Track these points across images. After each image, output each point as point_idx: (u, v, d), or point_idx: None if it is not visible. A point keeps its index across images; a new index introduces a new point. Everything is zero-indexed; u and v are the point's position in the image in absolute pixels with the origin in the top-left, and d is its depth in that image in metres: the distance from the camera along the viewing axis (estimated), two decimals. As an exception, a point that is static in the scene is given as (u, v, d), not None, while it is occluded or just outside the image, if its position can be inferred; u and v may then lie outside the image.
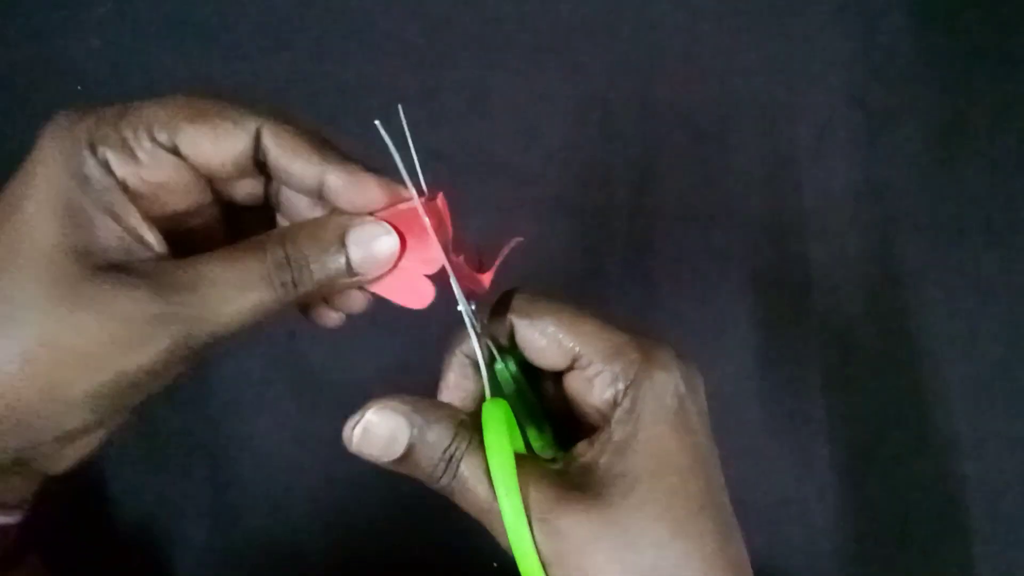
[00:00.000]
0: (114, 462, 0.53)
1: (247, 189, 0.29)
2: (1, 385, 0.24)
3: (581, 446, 0.28)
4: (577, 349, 0.28)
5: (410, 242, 0.28)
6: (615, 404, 0.27)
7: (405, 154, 0.27)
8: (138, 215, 0.25)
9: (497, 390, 0.29)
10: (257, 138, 0.26)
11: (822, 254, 0.58)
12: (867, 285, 0.58)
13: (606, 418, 0.27)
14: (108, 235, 0.25)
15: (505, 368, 0.30)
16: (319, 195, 0.28)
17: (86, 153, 0.25)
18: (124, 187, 0.25)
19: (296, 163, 0.27)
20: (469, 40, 0.60)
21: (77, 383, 0.24)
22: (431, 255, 0.28)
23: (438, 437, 0.26)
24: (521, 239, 0.29)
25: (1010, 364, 0.57)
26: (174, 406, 0.54)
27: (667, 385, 0.27)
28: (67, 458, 0.27)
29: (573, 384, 0.29)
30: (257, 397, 0.55)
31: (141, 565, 0.53)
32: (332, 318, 0.31)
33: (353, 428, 0.26)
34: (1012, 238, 0.58)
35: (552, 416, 0.31)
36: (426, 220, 0.27)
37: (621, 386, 0.27)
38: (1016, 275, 0.58)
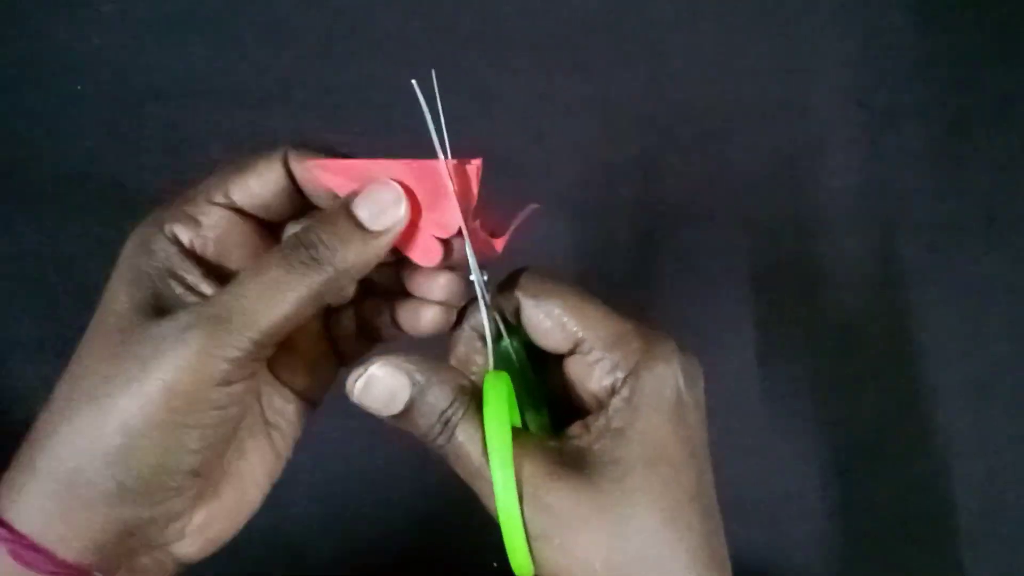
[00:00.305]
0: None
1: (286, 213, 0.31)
2: (83, 434, 0.25)
3: (575, 427, 0.28)
4: (580, 334, 0.28)
5: (432, 202, 0.28)
6: (613, 392, 0.27)
7: (436, 120, 0.28)
8: (197, 271, 0.28)
9: (500, 366, 0.30)
10: (287, 166, 0.29)
11: (823, 254, 0.58)
12: (867, 285, 0.58)
13: (602, 405, 0.28)
14: (170, 292, 0.27)
15: (509, 346, 0.30)
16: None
17: (157, 233, 0.28)
18: (191, 251, 0.28)
19: (310, 182, 0.29)
20: (471, 39, 0.60)
21: (140, 411, 0.25)
22: (448, 219, 0.28)
23: (437, 398, 0.27)
24: (537, 206, 0.29)
25: (1010, 364, 0.57)
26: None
27: (667, 377, 0.27)
28: (194, 537, 0.29)
29: (573, 368, 0.29)
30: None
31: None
32: (438, 316, 0.31)
33: (356, 380, 0.27)
34: (1012, 238, 0.58)
35: (550, 401, 0.31)
36: (449, 184, 0.28)
37: (621, 374, 0.27)
38: (1016, 275, 0.58)
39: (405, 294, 0.31)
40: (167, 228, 0.28)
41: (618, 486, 0.26)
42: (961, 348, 0.57)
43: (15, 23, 0.59)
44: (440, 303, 0.31)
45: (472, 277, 0.29)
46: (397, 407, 0.27)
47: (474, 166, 0.29)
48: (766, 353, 0.57)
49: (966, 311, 0.57)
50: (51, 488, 0.25)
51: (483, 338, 0.30)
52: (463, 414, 0.27)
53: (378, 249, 0.28)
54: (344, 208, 0.28)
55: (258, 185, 0.29)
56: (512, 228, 0.30)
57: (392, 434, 0.58)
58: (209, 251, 0.29)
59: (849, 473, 0.56)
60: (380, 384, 0.27)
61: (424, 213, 0.29)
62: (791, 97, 0.60)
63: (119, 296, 0.27)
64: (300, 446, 0.55)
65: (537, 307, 0.29)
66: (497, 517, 0.26)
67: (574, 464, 0.26)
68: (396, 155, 0.28)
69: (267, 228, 0.31)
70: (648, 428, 0.26)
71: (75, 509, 0.25)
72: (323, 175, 0.29)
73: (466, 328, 0.30)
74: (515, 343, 0.30)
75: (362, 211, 0.28)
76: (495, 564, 0.52)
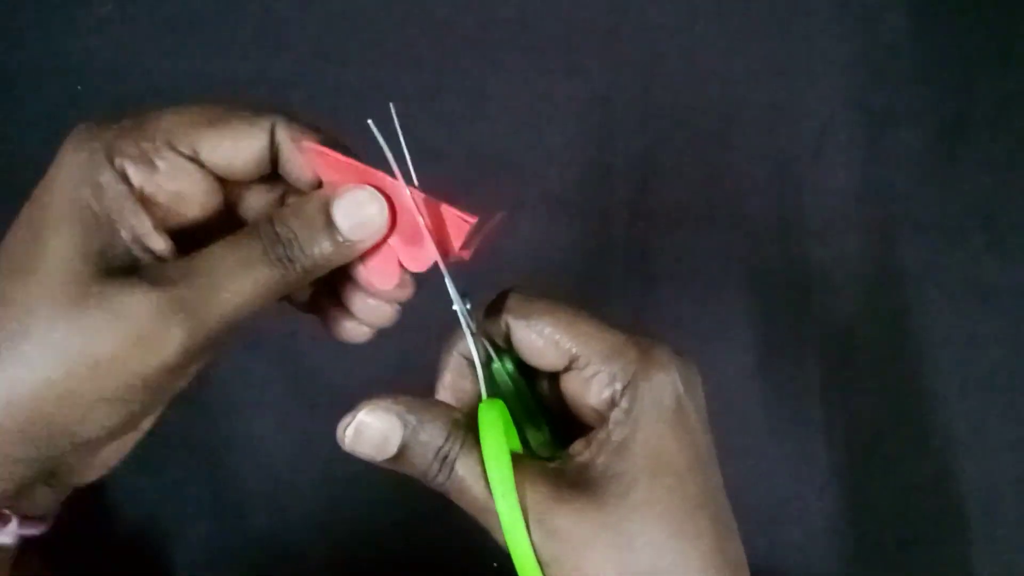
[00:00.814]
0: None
1: (258, 198, 0.29)
2: (18, 394, 0.24)
3: (577, 445, 0.27)
4: (574, 350, 0.28)
5: (412, 234, 0.28)
6: (613, 404, 0.27)
7: (399, 151, 0.27)
8: (148, 222, 0.26)
9: (494, 390, 0.29)
10: (272, 137, 0.27)
11: (822, 254, 0.58)
12: (867, 285, 0.58)
13: (603, 418, 0.27)
14: (119, 241, 0.25)
15: (502, 368, 0.30)
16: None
17: (104, 164, 0.25)
18: (141, 195, 0.26)
19: (299, 167, 0.28)
20: (470, 40, 0.60)
21: (93, 389, 0.24)
22: (422, 256, 0.28)
23: (431, 436, 0.26)
24: (504, 213, 0.28)
25: (1010, 364, 0.57)
26: (174, 406, 0.54)
27: (665, 385, 0.27)
28: (94, 468, 0.28)
29: (570, 385, 0.29)
30: (257, 397, 0.55)
31: (141, 565, 0.53)
32: (359, 332, 0.31)
33: (346, 428, 0.26)
34: (1012, 238, 0.58)
35: (550, 416, 0.31)
36: (423, 227, 0.27)
37: (619, 386, 0.27)
38: (1016, 275, 0.58)
39: (336, 293, 0.30)
40: (117, 162, 0.26)
41: (623, 501, 0.25)
42: (960, 349, 0.57)
43: (15, 24, 0.59)
44: (367, 324, 0.30)
45: (455, 307, 0.28)
46: (391, 450, 0.26)
47: (468, 224, 0.27)
48: (765, 354, 0.57)
49: (965, 312, 0.57)
50: None
51: (472, 363, 0.29)
52: (460, 448, 0.26)
53: (346, 257, 0.28)
54: (324, 209, 0.27)
55: (232, 147, 0.27)
56: (480, 236, 0.29)
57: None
58: (160, 198, 0.26)
59: (849, 475, 0.56)
60: (370, 430, 0.26)
61: (397, 237, 0.28)
62: (789, 98, 0.60)
63: (61, 235, 0.24)
64: (300, 446, 0.55)
65: (528, 327, 0.28)
66: (507, 548, 0.25)
67: (578, 483, 0.26)
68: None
69: (221, 183, 0.28)
70: (650, 438, 0.26)
71: None
72: (317, 162, 0.27)
73: (454, 354, 0.30)
74: (508, 365, 0.30)
75: (341, 218, 0.27)
76: (495, 564, 0.52)
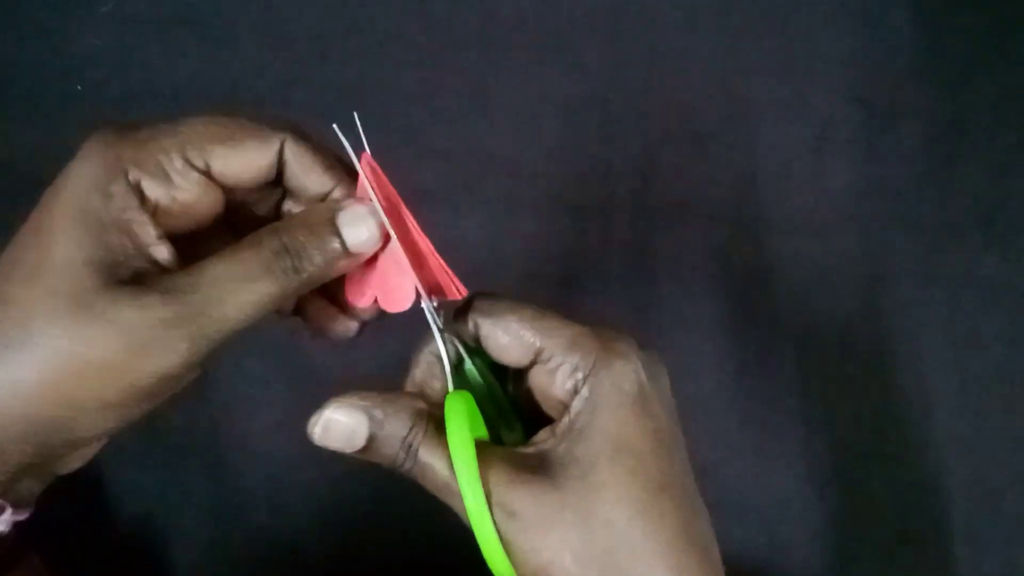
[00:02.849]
0: (114, 461, 0.53)
1: (263, 203, 0.31)
2: (18, 396, 0.24)
3: (542, 434, 0.28)
4: (538, 343, 0.29)
5: (394, 273, 0.29)
6: (575, 393, 0.28)
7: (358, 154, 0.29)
8: (153, 233, 0.26)
9: (463, 385, 0.30)
10: (280, 152, 0.28)
11: (822, 253, 0.58)
12: (867, 284, 0.58)
13: (568, 409, 0.28)
14: (124, 250, 0.26)
15: (473, 367, 0.31)
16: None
17: (117, 174, 0.26)
18: (155, 207, 0.27)
19: (311, 176, 0.29)
20: (470, 39, 0.60)
21: (92, 394, 0.25)
22: (398, 298, 0.29)
23: (396, 427, 0.28)
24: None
25: (1010, 364, 0.57)
26: (174, 406, 0.54)
27: (626, 372, 0.27)
28: (77, 459, 0.28)
29: (537, 379, 0.30)
30: (257, 396, 0.55)
31: (141, 564, 0.53)
32: (347, 327, 0.32)
33: (315, 425, 0.28)
34: (1012, 238, 0.58)
35: (523, 413, 0.32)
36: (404, 259, 0.28)
37: (580, 375, 0.28)
38: (1016, 275, 0.58)
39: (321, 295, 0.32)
40: (132, 175, 0.26)
41: (582, 483, 0.26)
42: (960, 348, 0.57)
43: (14, 23, 0.59)
44: (329, 333, 0.32)
45: (422, 304, 0.29)
46: (359, 443, 0.28)
47: (457, 292, 0.29)
48: (764, 353, 0.57)
49: (965, 310, 0.57)
50: None
51: (441, 361, 0.30)
52: (423, 436, 0.27)
53: (344, 268, 0.29)
54: (331, 219, 0.28)
55: (242, 164, 0.28)
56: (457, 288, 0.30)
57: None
58: (171, 209, 0.27)
59: (848, 474, 0.56)
60: (338, 426, 0.28)
61: (380, 266, 0.29)
62: (789, 97, 0.60)
63: (68, 242, 0.25)
64: (300, 446, 0.55)
65: (495, 325, 0.29)
66: (472, 529, 0.26)
67: (540, 468, 0.27)
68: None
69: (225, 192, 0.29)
70: (609, 423, 0.27)
71: None
72: (366, 175, 0.29)
73: (424, 352, 0.31)
74: (478, 364, 0.31)
75: (348, 229, 0.28)
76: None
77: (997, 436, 0.56)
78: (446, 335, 0.30)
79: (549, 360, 0.28)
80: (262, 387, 0.55)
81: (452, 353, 0.30)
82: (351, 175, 0.29)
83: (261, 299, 0.26)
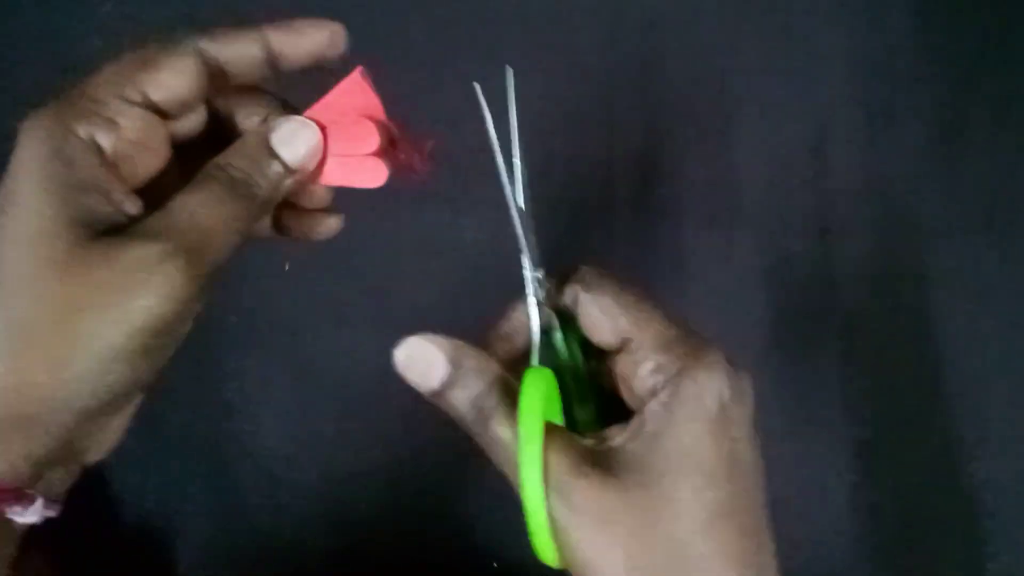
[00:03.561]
0: (115, 462, 0.53)
1: (195, 124, 0.31)
2: (33, 358, 0.24)
3: (613, 429, 0.28)
4: (629, 332, 0.28)
5: (342, 129, 0.30)
6: (654, 394, 0.27)
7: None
8: (120, 187, 0.27)
9: (549, 358, 0.30)
10: (202, 54, 0.29)
11: (822, 253, 0.58)
12: (867, 284, 0.58)
13: (644, 407, 0.27)
14: (95, 206, 0.26)
15: (562, 338, 0.30)
16: (270, 67, 0.30)
17: (69, 134, 0.26)
18: (111, 157, 0.27)
19: (236, 44, 0.30)
20: (470, 39, 0.60)
21: (96, 339, 0.25)
22: (364, 133, 0.30)
23: (472, 383, 0.27)
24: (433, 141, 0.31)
25: (1010, 364, 0.57)
26: (174, 406, 0.54)
27: (709, 387, 0.26)
28: (102, 443, 0.29)
29: (621, 366, 0.29)
30: (257, 396, 0.55)
31: (142, 563, 0.53)
32: (329, 225, 0.33)
33: (400, 349, 0.28)
34: (1012, 238, 0.58)
35: (601, 396, 0.31)
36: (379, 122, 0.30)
37: (662, 377, 0.27)
38: (1016, 275, 0.58)
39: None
40: (83, 131, 0.26)
41: (646, 491, 0.25)
42: (961, 348, 0.57)
43: (14, 23, 0.59)
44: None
45: (525, 272, 0.29)
46: (433, 383, 0.27)
47: (359, 72, 0.31)
48: (764, 353, 0.57)
49: (966, 311, 0.57)
50: None
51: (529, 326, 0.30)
52: (497, 404, 0.27)
53: (298, 182, 0.29)
54: (264, 143, 0.29)
55: (171, 78, 0.28)
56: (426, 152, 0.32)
57: (391, 435, 0.58)
58: (127, 154, 0.27)
59: (850, 474, 0.56)
60: (419, 355, 0.27)
61: (343, 140, 0.30)
62: (790, 97, 0.60)
63: (39, 208, 0.25)
64: (300, 446, 0.55)
65: (592, 300, 0.29)
66: (523, 505, 0.26)
67: (605, 463, 0.26)
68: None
69: (168, 132, 0.30)
70: (683, 436, 0.26)
71: (16, 432, 0.25)
72: (355, 90, 0.30)
73: (520, 309, 0.30)
74: (569, 337, 0.30)
75: (285, 152, 0.29)
76: (495, 564, 0.52)
77: (1000, 435, 0.56)
78: (542, 304, 0.29)
79: (636, 352, 0.28)
80: (262, 387, 0.55)
81: (544, 320, 0.29)
82: (275, 26, 0.30)
83: (232, 221, 0.27)
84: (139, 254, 0.25)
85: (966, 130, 0.59)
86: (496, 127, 0.29)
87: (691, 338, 0.28)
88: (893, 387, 0.57)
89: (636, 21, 0.61)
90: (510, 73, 0.29)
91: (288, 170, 0.29)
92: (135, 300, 0.25)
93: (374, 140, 0.30)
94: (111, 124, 0.27)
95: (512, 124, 0.29)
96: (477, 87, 0.28)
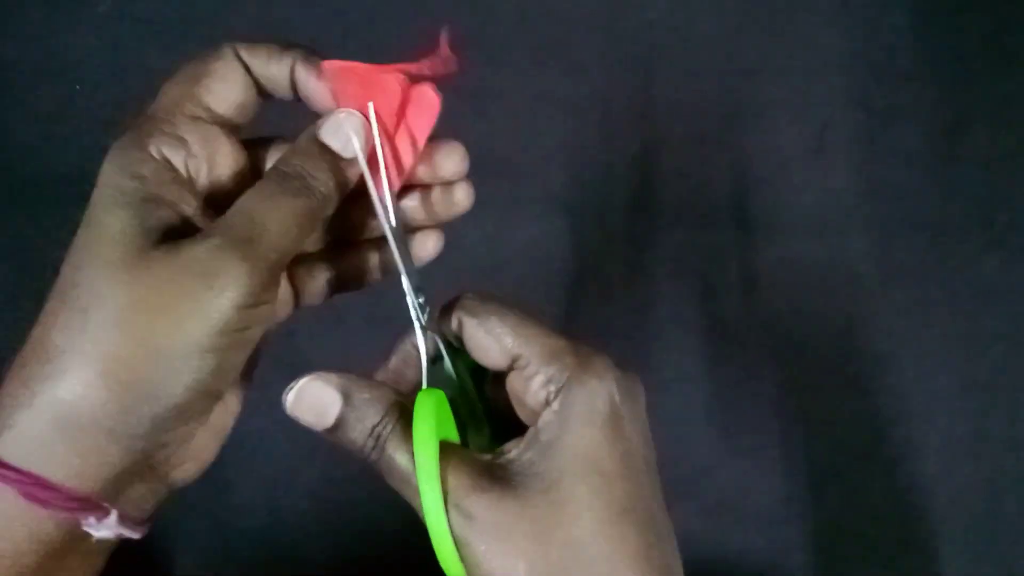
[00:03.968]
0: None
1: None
2: (111, 363, 0.25)
3: (510, 444, 0.28)
4: (517, 349, 0.29)
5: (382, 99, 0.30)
6: (547, 405, 0.28)
7: None
8: (192, 200, 0.28)
9: (440, 385, 0.30)
10: (244, 64, 0.29)
11: (822, 254, 0.58)
12: (867, 284, 0.58)
13: (538, 420, 0.28)
14: (166, 219, 0.27)
15: (451, 365, 0.31)
16: (297, 93, 0.30)
17: (142, 155, 0.27)
18: (186, 171, 0.28)
19: (272, 65, 0.29)
20: (469, 39, 0.60)
21: (172, 337, 0.25)
22: (394, 90, 0.30)
23: (367, 414, 0.28)
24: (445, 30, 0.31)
25: (1010, 364, 0.57)
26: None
27: (599, 391, 0.27)
28: (189, 460, 0.30)
29: (513, 384, 0.30)
30: (257, 396, 0.55)
31: (141, 564, 0.53)
32: (435, 242, 0.33)
33: (288, 392, 0.29)
34: (1012, 238, 0.58)
35: (494, 418, 0.32)
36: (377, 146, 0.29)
37: (553, 388, 0.28)
38: (1016, 275, 0.58)
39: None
40: (155, 150, 0.27)
41: (544, 497, 0.26)
42: (960, 348, 0.57)
43: (14, 23, 0.59)
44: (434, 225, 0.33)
45: (408, 300, 0.30)
46: (328, 421, 0.28)
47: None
48: (764, 353, 0.57)
49: (965, 310, 0.57)
50: (55, 422, 0.25)
51: (419, 356, 0.30)
52: (391, 429, 0.27)
53: (356, 173, 0.29)
54: (314, 139, 0.29)
55: (226, 89, 0.29)
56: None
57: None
58: (202, 175, 0.29)
59: (848, 475, 0.56)
60: (311, 398, 0.28)
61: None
62: (789, 97, 0.60)
63: (111, 222, 0.26)
64: (300, 446, 0.55)
65: (478, 325, 0.29)
66: (426, 526, 0.27)
67: (502, 476, 0.27)
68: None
69: (238, 140, 0.30)
70: (578, 441, 0.27)
71: (87, 441, 0.25)
72: (337, 77, 0.29)
73: (406, 343, 0.31)
74: (458, 363, 0.31)
75: (332, 140, 0.29)
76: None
77: (998, 436, 0.56)
78: (428, 331, 0.30)
79: (526, 367, 0.28)
80: (262, 387, 0.55)
81: (431, 349, 0.30)
82: (307, 52, 0.30)
83: (293, 217, 0.27)
84: (194, 252, 0.25)
85: (965, 130, 0.59)
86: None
87: (577, 347, 0.28)
88: (892, 387, 0.57)
89: (636, 21, 0.61)
90: (371, 107, 0.30)
91: (343, 160, 0.29)
92: (199, 296, 0.25)
93: (427, 99, 0.31)
94: (179, 141, 0.28)
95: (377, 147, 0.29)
96: (371, 106, 0.30)
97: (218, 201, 0.29)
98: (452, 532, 0.26)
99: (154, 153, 0.27)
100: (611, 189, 0.59)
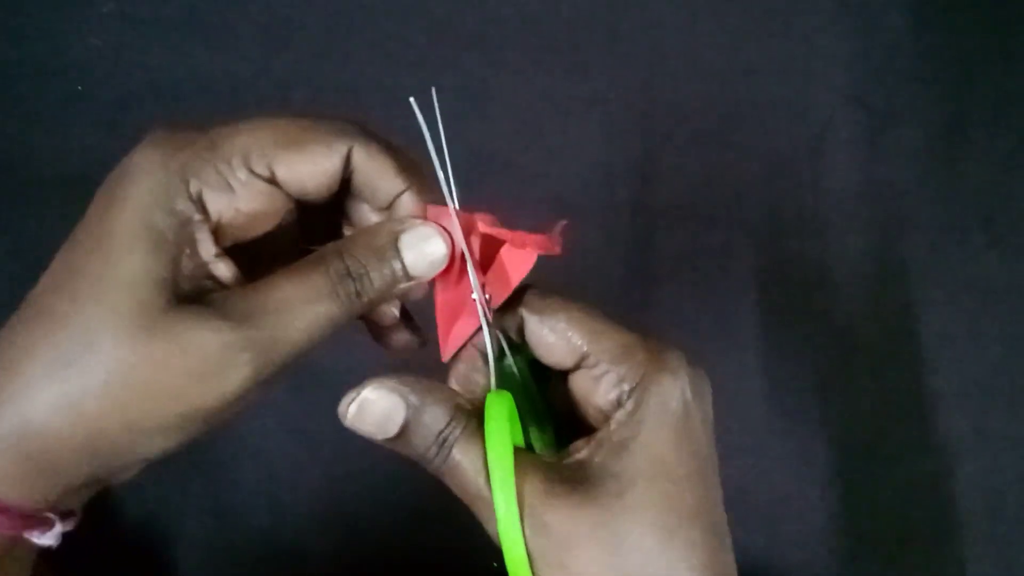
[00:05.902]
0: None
1: (318, 212, 0.29)
2: (81, 417, 0.24)
3: (579, 443, 0.27)
4: (585, 348, 0.28)
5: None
6: (619, 405, 0.27)
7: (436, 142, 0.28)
8: (213, 249, 0.26)
9: (503, 385, 0.29)
10: (347, 158, 0.27)
11: (822, 253, 0.58)
12: (867, 284, 0.58)
13: (608, 419, 0.27)
14: (187, 268, 0.25)
15: (513, 364, 0.30)
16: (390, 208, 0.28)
17: (180, 189, 0.25)
18: (217, 222, 0.26)
19: (383, 180, 0.28)
20: (470, 40, 0.60)
21: (154, 417, 0.24)
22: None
23: (434, 419, 0.26)
24: (565, 222, 0.30)
25: (1010, 364, 0.57)
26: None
27: (673, 390, 0.26)
28: (132, 472, 0.28)
29: (579, 384, 0.29)
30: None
31: (142, 564, 0.53)
32: (406, 340, 0.32)
33: (349, 404, 0.26)
34: (1012, 238, 0.58)
35: (556, 417, 0.31)
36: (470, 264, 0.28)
37: (626, 387, 0.27)
38: (1016, 275, 0.58)
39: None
40: (195, 186, 0.25)
41: (618, 501, 0.25)
42: (960, 348, 0.57)
43: (15, 23, 0.59)
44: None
45: (474, 296, 0.28)
46: (392, 430, 0.26)
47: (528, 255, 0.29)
48: (765, 353, 0.57)
49: (965, 310, 0.57)
50: (13, 440, 0.24)
51: (485, 357, 0.29)
52: (459, 434, 0.26)
53: (406, 292, 0.28)
54: (394, 244, 0.27)
55: (308, 170, 0.26)
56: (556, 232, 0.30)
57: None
58: (234, 222, 0.26)
59: (849, 473, 0.56)
60: (374, 407, 0.26)
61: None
62: (790, 97, 0.60)
63: (132, 259, 0.24)
64: (300, 446, 0.55)
65: (541, 323, 0.28)
66: (498, 538, 0.25)
67: (575, 480, 0.26)
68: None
69: (293, 201, 0.28)
70: (651, 442, 0.26)
71: (43, 463, 0.25)
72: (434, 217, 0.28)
73: (469, 347, 0.30)
74: (519, 361, 0.30)
75: (408, 254, 0.27)
76: (495, 564, 0.52)
77: (998, 435, 0.56)
78: (492, 329, 0.28)
79: (595, 366, 0.27)
80: (262, 387, 0.55)
81: (495, 346, 0.29)
82: (423, 182, 0.28)
83: (324, 322, 0.26)
84: (211, 339, 0.24)
85: (965, 130, 0.59)
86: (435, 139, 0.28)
87: (649, 343, 0.27)
88: (892, 386, 0.57)
89: (636, 21, 0.61)
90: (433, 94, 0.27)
91: (406, 275, 0.27)
92: (195, 386, 0.24)
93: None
94: (227, 189, 0.26)
95: (442, 142, 0.28)
96: (412, 101, 0.26)
97: (242, 248, 0.27)
98: (525, 542, 0.25)
99: (192, 189, 0.25)
100: (612, 189, 0.59)
